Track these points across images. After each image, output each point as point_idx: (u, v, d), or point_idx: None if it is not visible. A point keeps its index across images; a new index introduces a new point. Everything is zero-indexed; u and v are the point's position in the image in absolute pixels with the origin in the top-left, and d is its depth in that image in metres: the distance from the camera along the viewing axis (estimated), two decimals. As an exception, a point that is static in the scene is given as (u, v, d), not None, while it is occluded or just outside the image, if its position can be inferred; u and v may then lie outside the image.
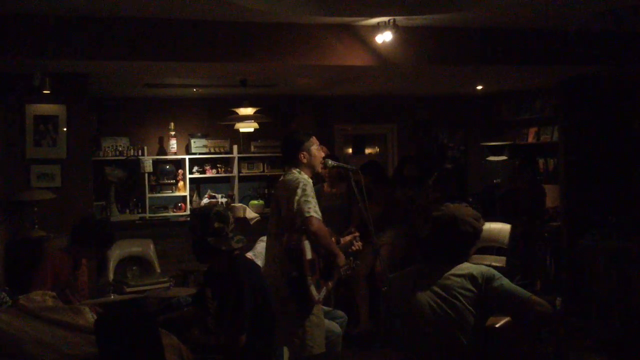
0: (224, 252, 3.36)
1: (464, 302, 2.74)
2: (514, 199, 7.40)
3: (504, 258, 6.67)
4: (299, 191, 3.70)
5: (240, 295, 3.20)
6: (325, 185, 5.99)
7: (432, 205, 6.27)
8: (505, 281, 2.79)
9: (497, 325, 2.85)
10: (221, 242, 3.34)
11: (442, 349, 2.76)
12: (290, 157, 3.96)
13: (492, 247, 6.96)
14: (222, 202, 8.29)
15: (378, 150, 10.14)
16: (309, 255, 3.67)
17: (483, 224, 3.00)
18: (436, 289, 2.81)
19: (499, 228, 6.86)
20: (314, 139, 4.01)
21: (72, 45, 5.26)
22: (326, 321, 4.06)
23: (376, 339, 5.68)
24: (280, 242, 3.82)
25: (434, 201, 6.81)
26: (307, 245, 3.67)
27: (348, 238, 4.24)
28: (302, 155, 3.92)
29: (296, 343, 3.74)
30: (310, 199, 3.71)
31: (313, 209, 3.68)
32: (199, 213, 3.49)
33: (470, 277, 2.79)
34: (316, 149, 3.99)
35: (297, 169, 3.90)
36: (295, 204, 3.67)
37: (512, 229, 6.77)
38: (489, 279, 2.78)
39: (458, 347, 2.73)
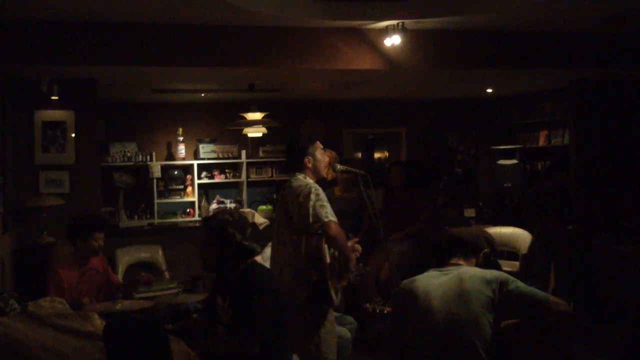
0: (246, 259, 3.34)
1: (479, 305, 2.76)
2: (543, 199, 7.24)
3: (515, 263, 6.60)
4: (313, 196, 3.68)
5: (260, 304, 3.17)
6: (337, 189, 5.94)
7: (441, 210, 6.23)
8: (520, 284, 2.82)
9: (508, 324, 2.85)
10: (254, 246, 3.37)
11: (455, 352, 2.75)
12: (295, 162, 3.95)
13: (503, 251, 6.90)
14: (230, 208, 8.27)
15: (387, 154, 10.11)
16: (327, 259, 3.67)
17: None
18: (452, 293, 2.81)
19: (517, 234, 6.78)
20: (318, 144, 3.99)
21: (80, 51, 5.27)
22: (336, 327, 4.04)
23: (385, 343, 5.62)
24: (293, 248, 3.78)
25: (443, 205, 6.77)
26: (325, 249, 3.67)
27: (349, 244, 4.21)
28: (307, 159, 3.91)
29: (311, 350, 3.72)
30: (325, 203, 3.70)
31: (330, 213, 3.67)
32: (237, 219, 3.42)
33: (486, 282, 2.82)
34: (320, 154, 3.97)
35: (303, 174, 3.88)
36: (311, 209, 3.65)
37: (537, 229, 6.65)
38: (503, 283, 2.81)
39: (471, 351, 2.72)
